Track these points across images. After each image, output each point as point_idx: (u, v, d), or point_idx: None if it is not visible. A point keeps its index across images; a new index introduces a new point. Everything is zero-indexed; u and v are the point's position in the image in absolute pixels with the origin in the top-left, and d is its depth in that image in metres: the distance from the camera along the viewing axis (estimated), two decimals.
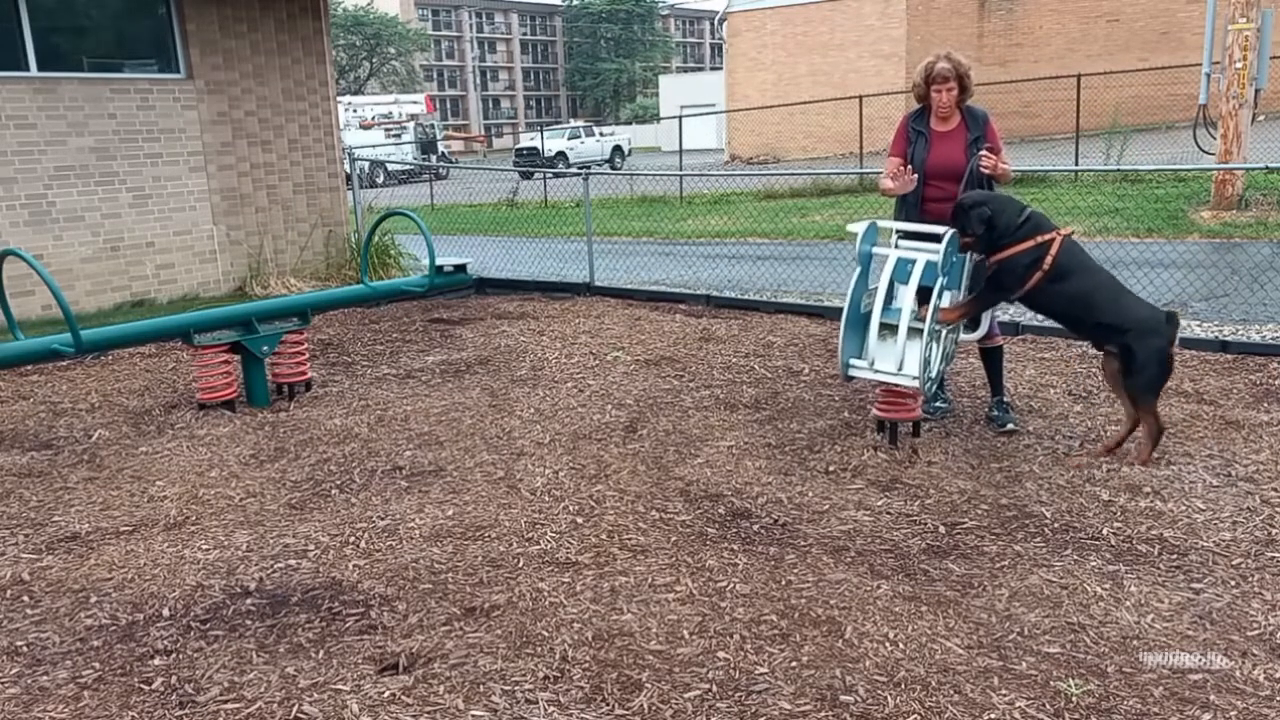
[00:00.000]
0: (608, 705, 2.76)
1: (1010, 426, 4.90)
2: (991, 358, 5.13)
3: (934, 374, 4.77)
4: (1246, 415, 5.01)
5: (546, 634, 3.14)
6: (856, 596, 3.32)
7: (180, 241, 9.79)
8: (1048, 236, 4.41)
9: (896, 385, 4.59)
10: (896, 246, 4.67)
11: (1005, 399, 5.15)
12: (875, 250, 4.69)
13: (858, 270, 4.61)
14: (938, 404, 5.22)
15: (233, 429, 5.50)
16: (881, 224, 4.81)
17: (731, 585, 3.43)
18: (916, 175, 4.83)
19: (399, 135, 40.04)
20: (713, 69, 66.44)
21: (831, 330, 7.21)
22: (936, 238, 4.56)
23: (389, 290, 7.63)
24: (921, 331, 4.46)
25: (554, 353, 7.00)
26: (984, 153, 4.73)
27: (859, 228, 4.66)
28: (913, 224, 4.82)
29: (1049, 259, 4.37)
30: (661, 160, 39.02)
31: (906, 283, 4.51)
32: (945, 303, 4.60)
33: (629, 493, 4.31)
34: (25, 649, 3.20)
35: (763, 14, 32.97)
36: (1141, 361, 4.32)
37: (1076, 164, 16.81)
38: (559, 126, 47.69)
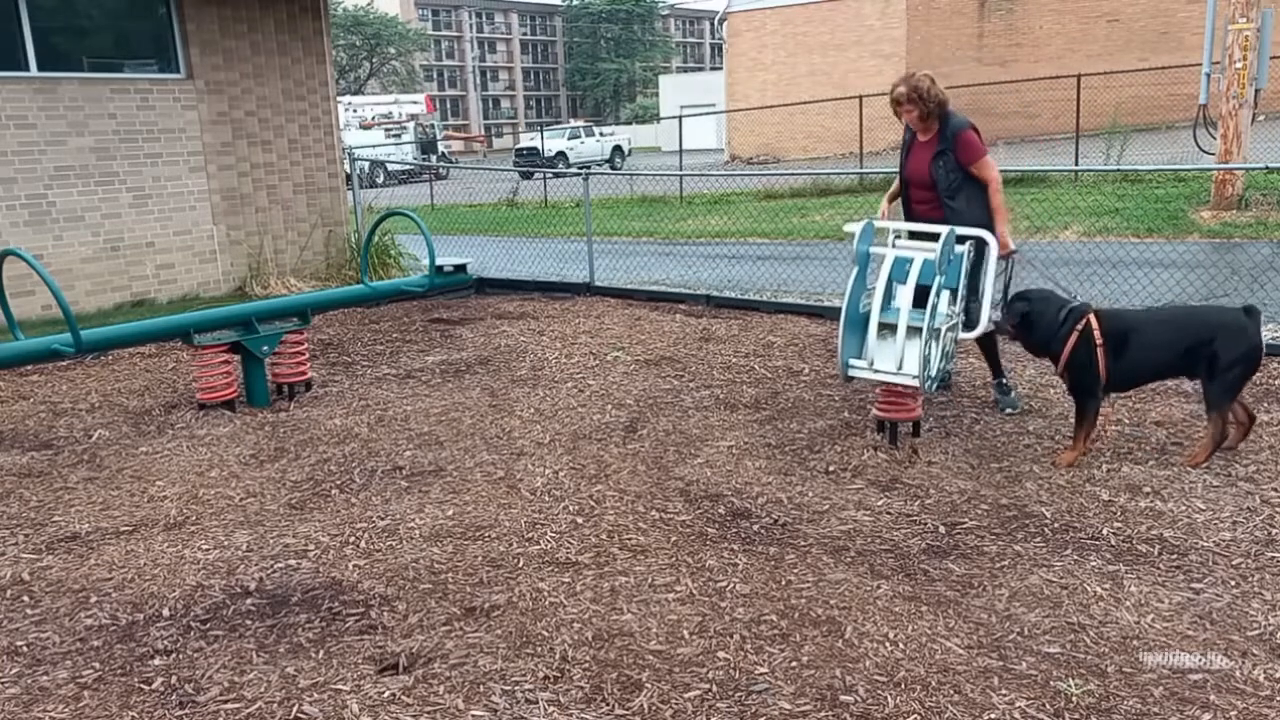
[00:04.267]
0: (608, 705, 2.76)
1: (1010, 410, 5.09)
2: (984, 343, 5.25)
3: (934, 373, 4.78)
4: None
5: (546, 634, 3.14)
6: (856, 596, 3.32)
7: (180, 241, 9.79)
8: (1083, 322, 4.38)
9: (896, 385, 4.60)
10: (894, 245, 4.68)
11: (1006, 380, 5.29)
12: (872, 250, 4.70)
13: (855, 270, 4.61)
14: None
15: (233, 429, 5.50)
16: (878, 224, 4.84)
17: (731, 585, 3.43)
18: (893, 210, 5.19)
19: (399, 135, 40.04)
20: (713, 69, 66.39)
21: (831, 330, 7.21)
22: (935, 236, 4.58)
23: (389, 290, 7.63)
24: (920, 330, 4.46)
25: (554, 353, 7.00)
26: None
27: (856, 228, 4.66)
28: (913, 224, 4.93)
29: (1097, 334, 4.35)
30: (661, 160, 39.00)
31: (904, 282, 4.51)
32: (943, 302, 4.61)
33: (629, 493, 4.32)
34: (25, 649, 3.20)
35: (763, 14, 32.97)
36: (1227, 363, 4.23)
37: (1076, 164, 16.80)
38: (559, 126, 47.64)
